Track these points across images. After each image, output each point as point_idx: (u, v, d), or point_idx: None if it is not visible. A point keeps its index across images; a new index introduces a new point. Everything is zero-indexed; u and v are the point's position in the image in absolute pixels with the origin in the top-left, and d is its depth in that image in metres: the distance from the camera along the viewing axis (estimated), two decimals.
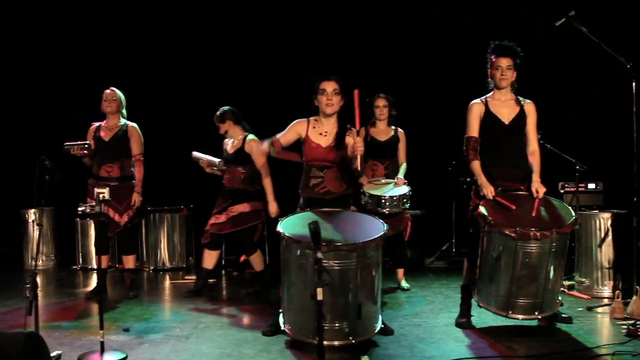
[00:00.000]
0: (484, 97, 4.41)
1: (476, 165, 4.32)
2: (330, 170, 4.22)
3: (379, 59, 6.96)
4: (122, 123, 5.48)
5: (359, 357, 3.74)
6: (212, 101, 7.08)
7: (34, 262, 6.64)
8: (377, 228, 3.95)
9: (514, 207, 4.11)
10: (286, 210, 4.51)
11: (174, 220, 6.77)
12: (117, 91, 5.49)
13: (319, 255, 3.19)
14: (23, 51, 7.25)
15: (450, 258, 6.81)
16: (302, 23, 7.11)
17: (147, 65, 7.23)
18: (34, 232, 6.90)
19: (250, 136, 5.48)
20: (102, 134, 5.45)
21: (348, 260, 3.72)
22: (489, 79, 4.37)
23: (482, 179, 4.26)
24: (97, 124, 5.54)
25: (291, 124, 4.29)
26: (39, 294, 3.79)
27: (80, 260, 6.91)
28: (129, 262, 5.57)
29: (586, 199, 6.16)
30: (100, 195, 3.79)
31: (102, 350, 3.76)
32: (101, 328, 3.79)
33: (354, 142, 3.93)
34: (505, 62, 4.25)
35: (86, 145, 5.17)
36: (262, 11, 7.17)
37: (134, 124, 5.49)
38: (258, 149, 4.86)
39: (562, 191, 6.21)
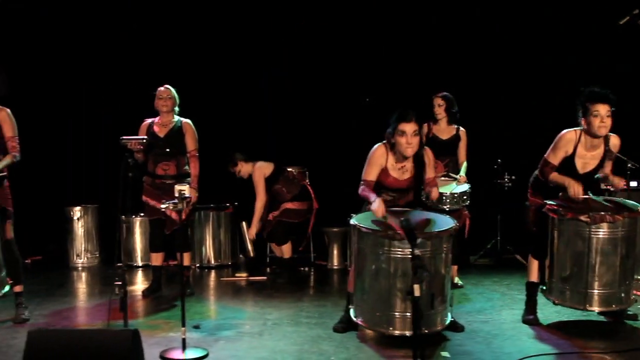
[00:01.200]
0: (579, 129, 4.32)
1: (555, 174, 4.35)
2: (402, 194, 4.32)
3: (436, 58, 6.95)
4: (175, 119, 5.48)
5: (434, 351, 3.79)
6: (248, 101, 7.17)
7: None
8: (447, 222, 4.02)
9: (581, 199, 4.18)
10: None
11: (220, 218, 6.77)
12: (171, 88, 5.49)
13: (417, 252, 3.21)
14: (67, 47, 7.26)
15: (495, 256, 6.83)
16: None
17: (198, 64, 7.24)
18: (79, 229, 6.90)
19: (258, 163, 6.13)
20: (156, 130, 5.45)
21: (423, 249, 3.76)
22: (583, 126, 4.28)
23: (567, 180, 4.25)
24: (149, 120, 5.54)
25: (371, 154, 4.26)
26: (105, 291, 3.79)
27: (126, 258, 6.91)
28: (185, 259, 5.58)
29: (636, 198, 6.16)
30: (182, 193, 3.81)
31: (184, 347, 3.79)
32: (183, 325, 3.83)
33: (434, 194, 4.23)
34: (603, 109, 4.15)
35: (144, 140, 5.16)
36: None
37: (188, 120, 5.49)
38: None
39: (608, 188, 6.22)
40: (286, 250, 6.14)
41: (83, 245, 6.92)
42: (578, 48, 6.82)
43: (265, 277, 6.20)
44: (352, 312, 4.12)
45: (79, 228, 6.90)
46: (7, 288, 4.60)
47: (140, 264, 6.86)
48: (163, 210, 3.79)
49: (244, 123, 7.10)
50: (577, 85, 4.48)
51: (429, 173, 4.31)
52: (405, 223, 3.37)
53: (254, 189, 6.08)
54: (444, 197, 5.19)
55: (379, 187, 4.25)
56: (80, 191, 7.13)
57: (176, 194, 3.84)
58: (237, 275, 6.27)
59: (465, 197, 5.38)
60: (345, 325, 4.28)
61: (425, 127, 5.62)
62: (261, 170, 6.09)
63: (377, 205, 3.99)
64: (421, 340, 3.20)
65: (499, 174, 6.64)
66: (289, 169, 6.49)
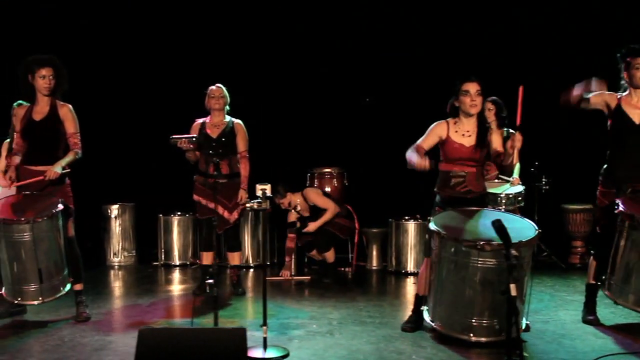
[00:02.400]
0: (619, 94, 4.44)
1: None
2: (473, 170, 4.30)
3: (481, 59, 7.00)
4: (227, 120, 5.49)
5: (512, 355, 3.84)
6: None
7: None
8: (527, 228, 4.05)
9: None
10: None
11: (258, 218, 6.78)
12: (223, 87, 5.50)
13: (514, 252, 3.27)
14: (112, 48, 7.25)
15: (533, 257, 6.88)
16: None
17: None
18: (116, 227, 6.88)
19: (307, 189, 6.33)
20: (208, 130, 5.45)
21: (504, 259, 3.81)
22: (624, 80, 4.44)
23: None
24: (200, 120, 5.54)
25: (430, 127, 4.35)
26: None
27: (163, 256, 6.90)
28: (235, 259, 5.60)
29: None
30: (264, 191, 3.83)
31: (265, 346, 3.81)
32: (264, 324, 3.84)
33: (516, 139, 4.13)
34: None
35: (193, 139, 5.17)
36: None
37: (239, 121, 5.50)
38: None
39: None
40: (330, 256, 6.24)
41: (120, 244, 6.89)
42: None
43: (309, 277, 6.23)
44: (426, 315, 4.16)
45: (116, 226, 6.87)
46: (68, 286, 4.60)
47: (177, 262, 6.85)
48: (248, 208, 3.79)
49: (283, 125, 7.12)
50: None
51: (496, 145, 4.30)
52: (498, 224, 3.43)
53: (315, 212, 6.22)
54: (499, 198, 5.27)
55: (449, 160, 4.28)
56: (118, 189, 7.10)
57: (258, 193, 3.85)
58: (283, 274, 6.28)
59: (519, 199, 5.50)
60: (414, 326, 4.33)
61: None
62: (313, 191, 6.31)
63: (417, 159, 4.09)
64: (508, 341, 3.26)
65: (536, 177, 6.72)
66: (327, 169, 6.56)
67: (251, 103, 6.39)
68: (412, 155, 4.20)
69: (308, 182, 6.78)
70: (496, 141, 4.31)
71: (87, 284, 5.86)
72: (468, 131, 4.30)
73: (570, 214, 6.53)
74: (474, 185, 4.31)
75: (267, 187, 3.87)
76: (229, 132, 5.43)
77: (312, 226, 6.14)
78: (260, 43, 7.26)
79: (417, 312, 4.36)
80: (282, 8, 7.19)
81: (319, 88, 7.17)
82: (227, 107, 5.53)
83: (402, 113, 6.98)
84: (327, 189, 6.62)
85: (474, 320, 3.87)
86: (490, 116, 5.67)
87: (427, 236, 4.31)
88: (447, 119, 4.35)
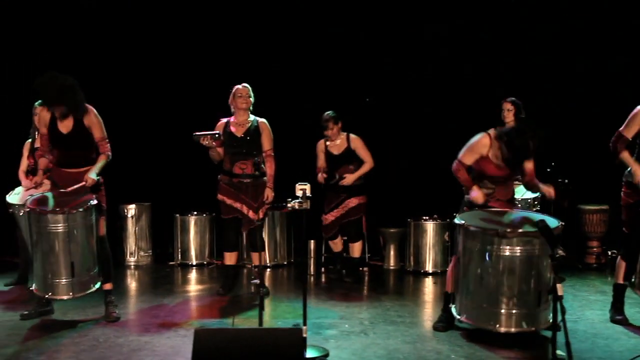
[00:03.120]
0: None
1: (626, 154, 4.42)
2: (503, 184, 4.39)
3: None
4: (252, 119, 5.47)
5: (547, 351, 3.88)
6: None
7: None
8: (551, 221, 4.10)
9: None
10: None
11: (275, 218, 6.76)
12: (249, 86, 5.47)
13: (560, 251, 3.31)
14: (131, 46, 7.23)
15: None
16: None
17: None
18: (133, 227, 6.84)
19: (352, 134, 6.00)
20: (233, 129, 5.43)
21: (531, 247, 3.89)
22: None
23: (635, 166, 4.37)
24: (225, 119, 5.52)
25: (473, 141, 4.35)
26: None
27: (179, 256, 6.87)
28: (257, 258, 5.57)
29: None
30: (304, 191, 3.83)
31: (305, 346, 3.81)
32: (304, 324, 3.84)
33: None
34: None
35: (217, 135, 5.14)
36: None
37: (264, 120, 5.48)
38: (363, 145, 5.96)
39: None
40: (358, 249, 6.13)
41: (136, 244, 6.86)
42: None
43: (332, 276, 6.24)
44: (454, 310, 4.20)
45: (133, 226, 6.84)
46: (98, 284, 4.58)
47: (194, 262, 6.83)
48: (289, 208, 3.79)
49: (298, 124, 7.11)
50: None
51: (528, 163, 4.37)
52: (542, 224, 3.46)
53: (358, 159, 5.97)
54: (515, 202, 5.29)
55: (480, 176, 4.34)
56: (134, 189, 7.06)
57: (298, 193, 3.85)
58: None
59: (536, 202, 5.53)
60: (446, 325, 4.36)
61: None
62: (358, 138, 6.02)
63: (477, 193, 4.20)
64: (527, 338, 3.28)
65: (553, 177, 6.76)
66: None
67: (269, 101, 6.39)
68: (466, 182, 4.31)
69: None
70: (529, 161, 4.36)
71: None
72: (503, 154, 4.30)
73: (586, 214, 6.58)
74: (503, 195, 4.42)
75: (307, 187, 3.87)
76: (254, 131, 5.41)
77: (349, 178, 5.90)
78: (278, 43, 7.24)
79: (447, 310, 4.39)
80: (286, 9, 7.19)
81: (336, 84, 7.15)
82: (251, 107, 5.52)
83: (419, 114, 7.01)
84: None
85: (501, 310, 3.92)
86: (510, 117, 5.72)
87: (445, 236, 4.38)
88: (489, 131, 4.35)
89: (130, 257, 6.83)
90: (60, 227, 4.34)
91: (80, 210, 4.38)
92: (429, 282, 6.12)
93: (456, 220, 4.16)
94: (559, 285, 3.30)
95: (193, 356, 2.91)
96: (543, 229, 3.43)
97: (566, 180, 6.52)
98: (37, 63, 7.07)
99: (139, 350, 3.92)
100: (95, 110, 4.67)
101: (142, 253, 6.89)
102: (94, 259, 4.53)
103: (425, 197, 6.87)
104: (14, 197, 5.62)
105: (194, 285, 6.07)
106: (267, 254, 6.73)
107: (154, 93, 7.27)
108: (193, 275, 6.53)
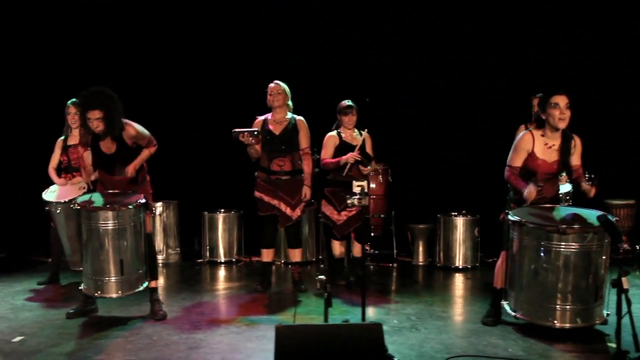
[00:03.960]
0: None
1: None
2: (550, 179, 4.41)
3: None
4: (289, 116, 5.47)
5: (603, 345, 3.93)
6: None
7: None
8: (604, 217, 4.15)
9: None
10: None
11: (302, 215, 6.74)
12: (282, 84, 5.47)
13: (625, 246, 3.35)
14: (160, 44, 7.21)
15: None
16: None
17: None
18: (160, 225, 6.82)
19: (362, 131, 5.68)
20: (270, 127, 5.44)
21: (589, 243, 3.92)
22: None
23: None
24: (262, 117, 5.52)
25: (517, 141, 4.38)
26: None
27: (207, 253, 6.86)
28: (296, 255, 5.59)
29: None
30: (362, 188, 3.84)
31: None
32: (363, 319, 3.86)
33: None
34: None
35: (255, 133, 5.16)
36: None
37: (302, 118, 5.48)
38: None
39: None
40: (360, 250, 5.77)
41: (164, 242, 6.84)
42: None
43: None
44: (507, 306, 4.23)
45: (160, 224, 6.81)
46: (145, 283, 4.58)
47: (222, 260, 6.82)
48: (349, 204, 3.81)
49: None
50: None
51: (576, 160, 4.41)
52: (604, 218, 3.51)
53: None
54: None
55: (527, 174, 4.35)
56: (161, 187, 7.03)
57: (356, 190, 3.86)
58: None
59: (568, 197, 5.59)
60: (495, 319, 4.40)
61: (522, 128, 5.77)
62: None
63: (530, 189, 4.19)
64: (580, 332, 3.30)
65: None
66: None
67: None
68: (518, 184, 4.30)
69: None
70: (576, 156, 4.40)
71: None
72: (553, 145, 4.34)
73: (613, 209, 6.62)
74: (549, 192, 4.43)
75: (364, 184, 3.89)
76: (292, 129, 5.41)
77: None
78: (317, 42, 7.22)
79: (496, 305, 4.43)
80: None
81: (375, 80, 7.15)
82: (290, 104, 5.51)
83: (446, 109, 7.02)
84: (372, 186, 6.61)
85: (557, 306, 3.95)
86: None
87: (475, 231, 4.38)
88: (531, 129, 4.39)
89: (158, 255, 6.78)
90: (110, 224, 4.38)
91: (130, 207, 4.41)
92: (460, 278, 6.15)
93: (511, 217, 4.16)
94: (624, 279, 3.35)
95: (276, 352, 2.93)
96: (606, 224, 3.48)
97: (592, 175, 6.59)
98: (71, 61, 7.10)
99: (197, 347, 3.92)
100: (131, 122, 4.64)
101: (170, 251, 6.87)
102: (142, 257, 4.54)
103: (451, 193, 6.89)
104: (50, 194, 5.60)
105: (227, 283, 6.05)
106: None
107: (180, 91, 7.25)
108: (223, 272, 6.51)
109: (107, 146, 4.61)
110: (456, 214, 6.53)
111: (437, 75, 7.02)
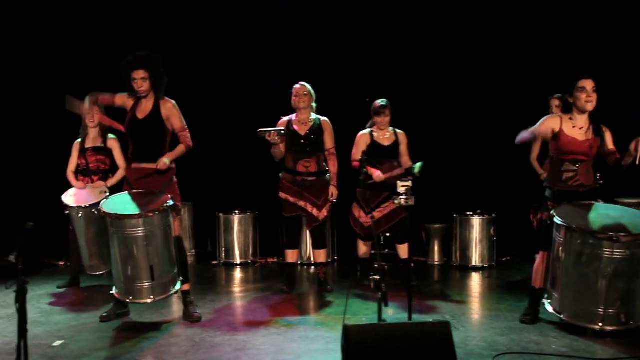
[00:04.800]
0: None
1: None
2: (584, 164, 4.45)
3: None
4: (314, 117, 5.49)
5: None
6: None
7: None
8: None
9: None
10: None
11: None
12: (307, 85, 5.48)
13: None
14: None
15: None
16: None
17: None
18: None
19: (399, 130, 5.67)
20: (296, 128, 5.45)
21: (635, 249, 3.95)
22: None
23: None
24: (286, 118, 5.52)
25: (543, 119, 4.49)
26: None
27: (223, 255, 6.83)
28: (322, 256, 5.61)
29: None
30: (407, 188, 3.88)
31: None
32: (409, 318, 3.90)
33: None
34: None
35: (282, 132, 5.16)
36: None
37: (326, 118, 5.50)
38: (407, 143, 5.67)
39: None
40: (406, 250, 5.69)
41: None
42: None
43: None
44: (548, 307, 4.26)
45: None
46: (178, 285, 4.53)
47: (238, 261, 6.80)
48: (396, 204, 3.84)
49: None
50: None
51: (609, 143, 4.44)
52: None
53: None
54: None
55: (560, 159, 4.42)
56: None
57: (401, 190, 3.90)
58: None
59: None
60: (533, 318, 4.46)
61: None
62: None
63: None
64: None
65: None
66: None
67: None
68: (524, 134, 4.44)
69: None
70: (609, 140, 4.47)
71: None
72: (582, 127, 4.42)
73: None
74: (585, 179, 4.45)
75: (409, 183, 3.93)
76: (317, 129, 5.42)
77: (381, 176, 5.31)
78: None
79: (534, 304, 4.49)
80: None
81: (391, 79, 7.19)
82: (314, 105, 5.51)
83: (461, 109, 7.08)
84: None
85: (601, 310, 3.99)
86: (558, 112, 5.81)
87: (491, 231, 4.45)
88: (560, 114, 4.49)
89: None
90: (139, 231, 4.25)
91: (158, 213, 4.30)
92: (477, 277, 6.23)
93: (557, 221, 4.18)
94: None
95: (347, 351, 2.95)
96: None
97: (598, 175, 6.71)
98: (89, 62, 7.02)
99: (244, 349, 3.91)
100: (174, 102, 4.63)
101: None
102: (173, 259, 4.47)
103: (465, 193, 6.96)
104: (70, 198, 5.52)
105: (250, 284, 6.01)
106: (311, 252, 6.75)
107: (194, 92, 7.19)
108: (241, 274, 6.49)
109: (144, 109, 4.56)
110: (471, 213, 6.61)
111: (453, 75, 7.06)
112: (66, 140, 5.85)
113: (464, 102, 7.08)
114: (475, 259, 6.53)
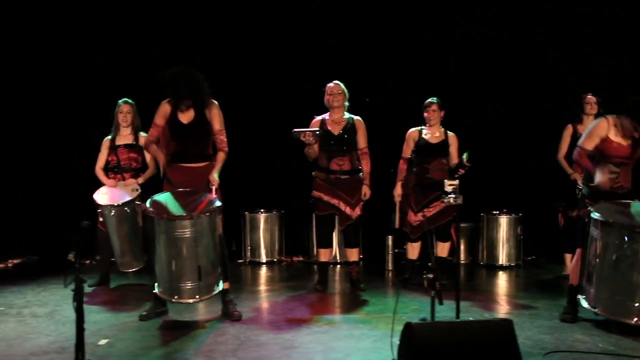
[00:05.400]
0: None
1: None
2: (625, 167, 4.48)
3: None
4: (347, 117, 5.50)
5: None
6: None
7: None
8: None
9: None
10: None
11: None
12: (341, 84, 5.49)
13: None
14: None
15: None
16: None
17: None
18: None
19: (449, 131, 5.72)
20: (329, 127, 5.45)
21: None
22: None
23: None
24: (320, 117, 5.53)
25: (591, 127, 4.50)
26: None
27: (249, 254, 6.83)
28: (354, 255, 5.61)
29: None
30: (454, 187, 3.90)
31: None
32: (457, 317, 3.91)
33: None
34: None
35: (317, 132, 5.18)
36: None
37: (359, 117, 5.51)
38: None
39: None
40: (447, 249, 5.79)
41: None
42: None
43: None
44: (584, 303, 4.30)
45: None
46: (221, 285, 4.52)
47: (264, 260, 6.80)
48: (445, 202, 3.86)
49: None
50: None
51: None
52: None
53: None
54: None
55: (603, 160, 4.43)
56: None
57: (448, 189, 3.91)
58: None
59: None
60: (573, 316, 4.48)
61: (570, 127, 5.89)
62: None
63: (603, 177, 4.35)
64: None
65: None
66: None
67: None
68: (587, 164, 4.47)
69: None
70: None
71: None
72: (629, 130, 4.44)
73: None
74: (625, 181, 4.49)
75: (456, 182, 3.94)
76: (350, 129, 5.44)
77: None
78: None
79: (573, 302, 4.51)
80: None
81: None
82: (347, 104, 5.52)
83: (489, 108, 7.08)
84: None
85: (637, 304, 4.00)
86: (595, 109, 5.80)
87: (518, 229, 4.44)
88: (607, 116, 4.50)
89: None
90: (187, 232, 4.21)
91: (208, 215, 4.29)
92: (505, 276, 6.25)
93: (594, 216, 4.22)
94: None
95: (413, 349, 2.95)
96: None
97: None
98: (120, 61, 7.02)
99: (292, 347, 3.91)
100: (217, 103, 4.64)
101: None
102: (217, 259, 4.46)
103: (492, 192, 6.96)
104: (102, 197, 5.50)
105: (281, 282, 6.03)
106: (338, 250, 6.78)
107: (224, 92, 7.17)
108: (269, 273, 6.51)
109: (187, 116, 4.55)
110: (498, 212, 6.62)
111: (481, 75, 7.08)
112: (83, 140, 5.88)
113: (492, 102, 7.08)
114: (502, 257, 6.55)
